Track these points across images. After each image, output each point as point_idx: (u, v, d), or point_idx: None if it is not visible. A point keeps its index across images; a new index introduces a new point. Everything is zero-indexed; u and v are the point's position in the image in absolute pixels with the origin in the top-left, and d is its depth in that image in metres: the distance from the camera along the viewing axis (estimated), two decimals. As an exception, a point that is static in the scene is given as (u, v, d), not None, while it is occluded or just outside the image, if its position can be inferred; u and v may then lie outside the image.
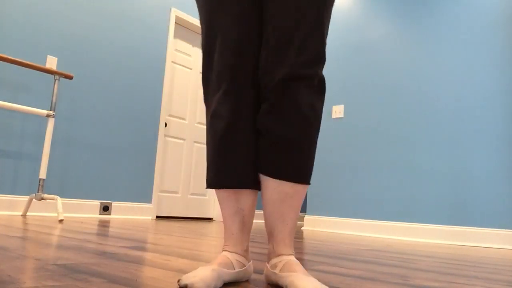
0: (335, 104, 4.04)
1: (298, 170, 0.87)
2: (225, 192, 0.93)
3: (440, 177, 3.27)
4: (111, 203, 3.52)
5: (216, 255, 1.41)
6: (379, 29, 3.87)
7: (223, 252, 0.91)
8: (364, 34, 3.97)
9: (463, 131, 3.22)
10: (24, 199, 2.99)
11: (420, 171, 3.38)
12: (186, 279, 0.76)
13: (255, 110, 0.92)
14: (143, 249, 1.42)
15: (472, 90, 3.24)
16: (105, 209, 3.46)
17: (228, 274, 0.85)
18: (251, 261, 0.95)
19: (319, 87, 0.90)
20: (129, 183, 3.67)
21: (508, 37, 3.14)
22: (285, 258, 0.87)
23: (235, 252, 0.91)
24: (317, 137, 0.92)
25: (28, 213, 3.02)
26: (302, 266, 0.85)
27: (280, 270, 0.85)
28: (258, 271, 1.08)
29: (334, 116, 4.01)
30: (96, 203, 3.42)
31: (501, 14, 3.20)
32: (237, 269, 0.88)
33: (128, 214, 3.64)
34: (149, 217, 3.80)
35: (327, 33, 0.92)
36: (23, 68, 3.06)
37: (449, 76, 3.37)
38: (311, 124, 0.88)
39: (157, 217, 4.05)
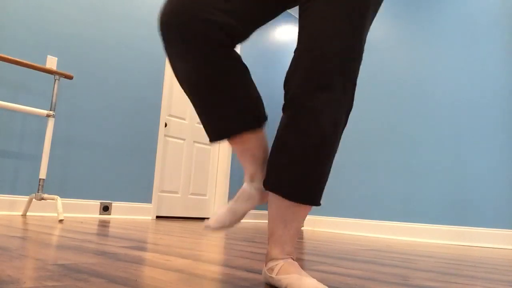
0: (335, 104, 4.04)
1: (307, 191, 0.83)
2: (227, 140, 0.92)
3: (440, 177, 3.27)
4: (111, 203, 3.52)
5: (216, 255, 1.41)
6: (379, 29, 3.87)
7: (244, 184, 0.97)
8: (364, 34, 3.97)
9: (463, 131, 3.22)
10: (24, 199, 2.99)
11: (420, 171, 3.38)
12: (208, 221, 0.90)
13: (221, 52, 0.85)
14: (143, 249, 1.42)
15: (472, 90, 3.24)
16: (105, 209, 3.46)
17: (245, 207, 0.93)
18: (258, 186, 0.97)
19: (345, 103, 0.84)
20: (129, 183, 3.67)
21: (509, 36, 3.14)
22: (282, 261, 0.85)
23: (251, 181, 0.95)
24: (333, 157, 0.87)
25: (28, 213, 3.02)
26: (299, 267, 0.84)
27: (276, 273, 0.84)
28: (258, 271, 1.08)
29: (334, 116, 4.01)
30: (96, 203, 3.42)
31: (502, 12, 3.20)
32: (256, 198, 0.94)
33: (128, 214, 3.64)
34: (149, 217, 3.80)
35: (361, 47, 0.85)
36: (23, 68, 3.06)
37: (449, 76, 3.37)
38: (328, 143, 0.83)
39: (157, 217, 4.05)
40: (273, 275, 0.84)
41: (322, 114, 0.81)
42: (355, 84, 0.85)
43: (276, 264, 0.85)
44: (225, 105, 0.86)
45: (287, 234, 0.87)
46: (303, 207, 0.86)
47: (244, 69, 0.90)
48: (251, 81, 0.91)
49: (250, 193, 0.94)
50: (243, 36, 0.89)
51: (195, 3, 0.82)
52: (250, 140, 0.91)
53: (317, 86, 0.81)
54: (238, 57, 0.89)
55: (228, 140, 0.91)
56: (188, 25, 0.81)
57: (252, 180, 0.95)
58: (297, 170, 0.82)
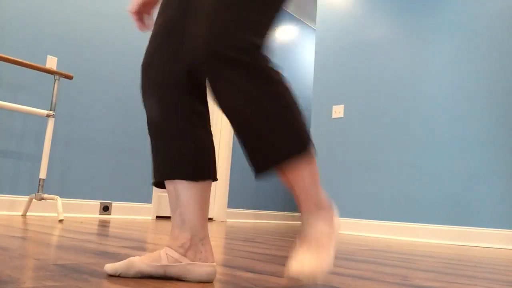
0: (335, 104, 4.04)
1: (264, 157, 0.81)
2: (167, 186, 0.93)
3: (440, 177, 3.27)
4: (111, 203, 3.52)
5: (216, 255, 1.41)
6: (379, 29, 3.87)
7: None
8: (364, 34, 3.97)
9: (463, 130, 3.22)
10: (24, 199, 2.99)
11: (420, 171, 3.38)
12: (108, 265, 0.89)
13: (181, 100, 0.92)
14: (143, 249, 1.42)
15: (472, 89, 3.24)
16: (105, 209, 3.46)
17: (147, 265, 0.86)
18: (201, 263, 0.88)
19: (254, 68, 0.79)
20: (129, 183, 3.67)
21: (508, 37, 3.14)
22: (305, 222, 0.84)
23: (169, 247, 0.89)
24: (267, 111, 0.80)
25: (28, 213, 3.02)
26: (320, 235, 0.81)
27: (298, 243, 0.84)
28: (258, 271, 1.08)
29: (334, 116, 4.01)
30: (96, 203, 3.42)
31: (501, 14, 3.20)
32: (162, 263, 0.86)
33: (128, 214, 3.64)
34: (149, 217, 3.80)
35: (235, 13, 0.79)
36: (23, 68, 3.06)
37: (449, 76, 3.37)
38: (251, 116, 0.79)
39: (157, 217, 4.05)
40: (296, 244, 0.85)
41: (227, 88, 0.80)
42: (247, 47, 0.78)
43: (301, 228, 0.86)
44: (167, 150, 0.91)
45: (302, 191, 0.84)
46: (291, 167, 0.82)
47: (198, 119, 0.93)
48: (203, 132, 0.93)
49: (160, 256, 0.88)
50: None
51: (161, 55, 0.93)
52: (181, 191, 0.89)
53: (223, 59, 0.80)
54: (197, 107, 0.93)
55: (167, 182, 0.92)
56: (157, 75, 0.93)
57: (169, 245, 0.89)
58: (246, 143, 0.82)
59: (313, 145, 0.85)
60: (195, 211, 0.90)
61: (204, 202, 0.91)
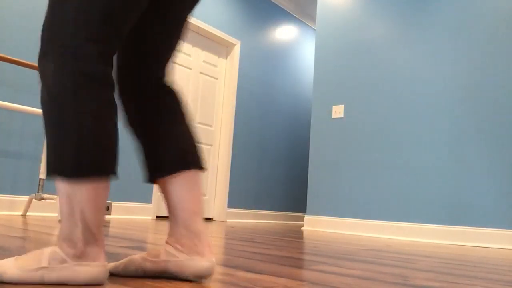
0: (335, 104, 4.04)
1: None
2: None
3: (440, 176, 3.27)
4: (111, 203, 3.52)
5: (216, 255, 1.41)
6: (378, 29, 3.87)
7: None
8: (364, 34, 3.97)
9: (462, 130, 3.22)
10: (24, 199, 2.99)
11: (419, 171, 3.38)
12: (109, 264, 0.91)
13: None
14: (143, 249, 1.42)
15: (472, 89, 3.24)
16: (105, 209, 3.46)
17: (146, 261, 0.88)
18: (199, 257, 0.87)
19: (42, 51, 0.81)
20: (129, 183, 3.67)
21: (507, 37, 3.14)
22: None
23: (167, 243, 0.90)
24: (53, 116, 0.77)
25: (28, 213, 3.02)
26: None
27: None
28: (258, 271, 1.08)
29: (334, 116, 4.01)
30: (96, 203, 3.41)
31: (500, 14, 3.20)
32: (162, 258, 0.88)
33: (128, 214, 3.64)
34: (149, 217, 3.80)
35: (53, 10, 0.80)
36: (23, 68, 3.06)
37: (448, 76, 3.37)
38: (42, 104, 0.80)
39: (157, 217, 4.05)
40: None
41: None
42: (60, 47, 0.78)
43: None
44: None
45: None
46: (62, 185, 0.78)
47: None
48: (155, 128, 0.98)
49: (159, 252, 0.89)
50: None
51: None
52: (165, 188, 0.91)
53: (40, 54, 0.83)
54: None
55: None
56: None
57: (168, 240, 0.90)
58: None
59: (80, 174, 0.74)
60: (183, 206, 0.89)
61: (190, 195, 0.90)
